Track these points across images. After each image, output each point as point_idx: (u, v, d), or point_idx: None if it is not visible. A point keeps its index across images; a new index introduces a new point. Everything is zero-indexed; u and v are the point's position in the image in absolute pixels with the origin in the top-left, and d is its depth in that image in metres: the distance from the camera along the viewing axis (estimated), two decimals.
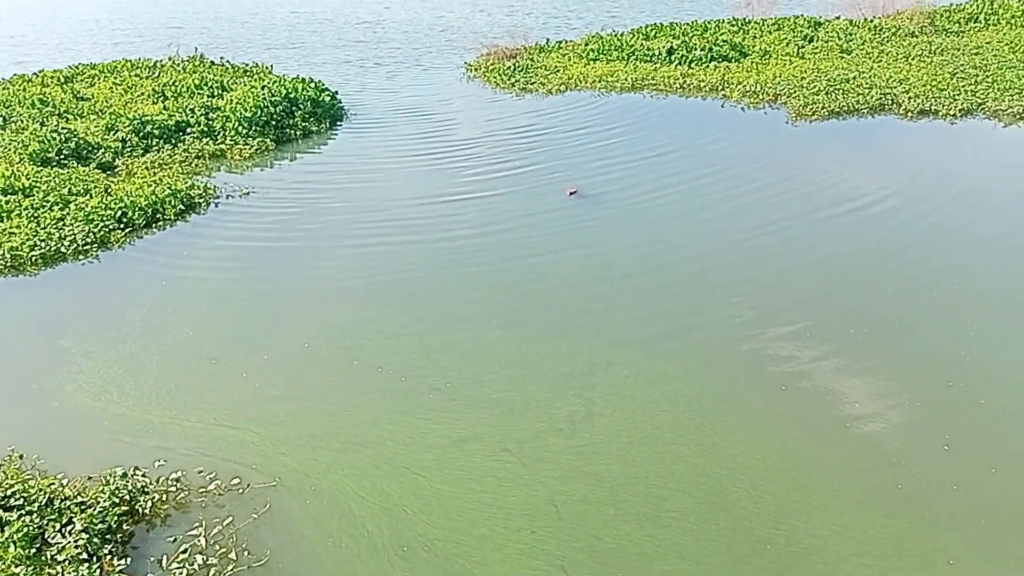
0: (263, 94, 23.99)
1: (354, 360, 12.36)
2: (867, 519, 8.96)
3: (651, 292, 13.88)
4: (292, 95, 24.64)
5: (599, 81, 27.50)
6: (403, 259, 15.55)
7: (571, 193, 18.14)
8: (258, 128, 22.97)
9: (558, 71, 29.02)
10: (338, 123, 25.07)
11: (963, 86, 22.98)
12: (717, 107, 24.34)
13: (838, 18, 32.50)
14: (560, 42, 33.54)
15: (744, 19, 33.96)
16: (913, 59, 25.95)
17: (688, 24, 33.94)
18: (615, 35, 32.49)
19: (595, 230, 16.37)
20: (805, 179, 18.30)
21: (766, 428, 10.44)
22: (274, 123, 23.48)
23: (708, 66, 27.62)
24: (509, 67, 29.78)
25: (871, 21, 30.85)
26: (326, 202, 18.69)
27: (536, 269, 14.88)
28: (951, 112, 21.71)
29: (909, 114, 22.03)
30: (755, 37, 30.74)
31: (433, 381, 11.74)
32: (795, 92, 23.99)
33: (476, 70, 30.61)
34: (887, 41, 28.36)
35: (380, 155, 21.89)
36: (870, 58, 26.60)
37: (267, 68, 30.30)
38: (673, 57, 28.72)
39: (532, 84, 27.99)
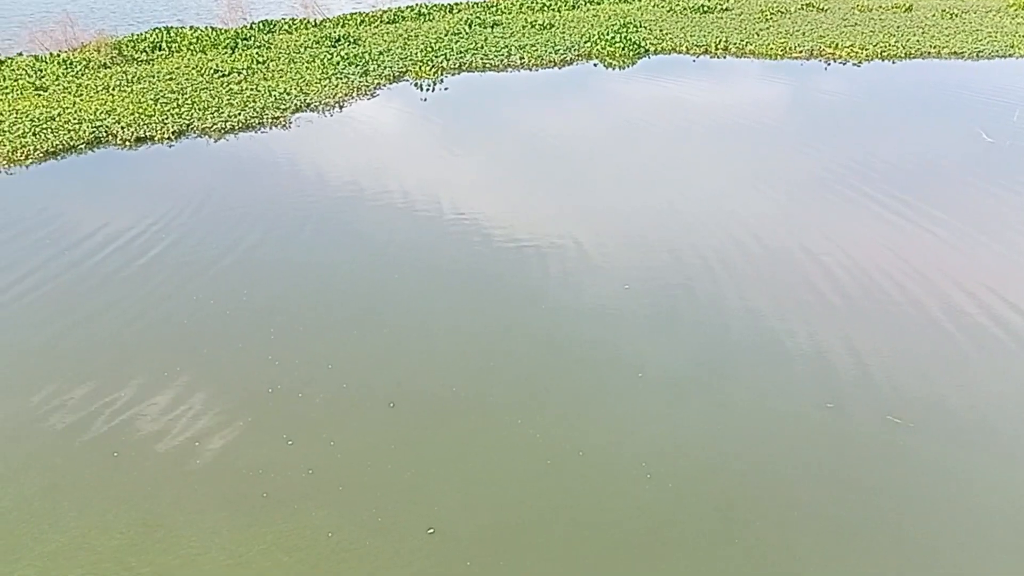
0: None
1: None
2: (248, 538, 9.27)
3: None
4: None
5: None
6: None
7: None
8: None
9: None
10: None
11: (168, 110, 24.30)
12: None
13: (20, 55, 30.26)
14: None
15: None
16: (114, 89, 26.13)
17: None
18: None
19: None
20: (44, 227, 16.92)
21: (112, 508, 9.68)
22: None
23: None
24: None
25: (58, 55, 29.69)
26: None
27: None
28: (166, 136, 22.82)
29: (127, 143, 22.27)
30: None
31: None
32: None
33: None
34: (82, 74, 27.78)
35: None
36: (70, 92, 25.70)
37: None
38: None
39: None
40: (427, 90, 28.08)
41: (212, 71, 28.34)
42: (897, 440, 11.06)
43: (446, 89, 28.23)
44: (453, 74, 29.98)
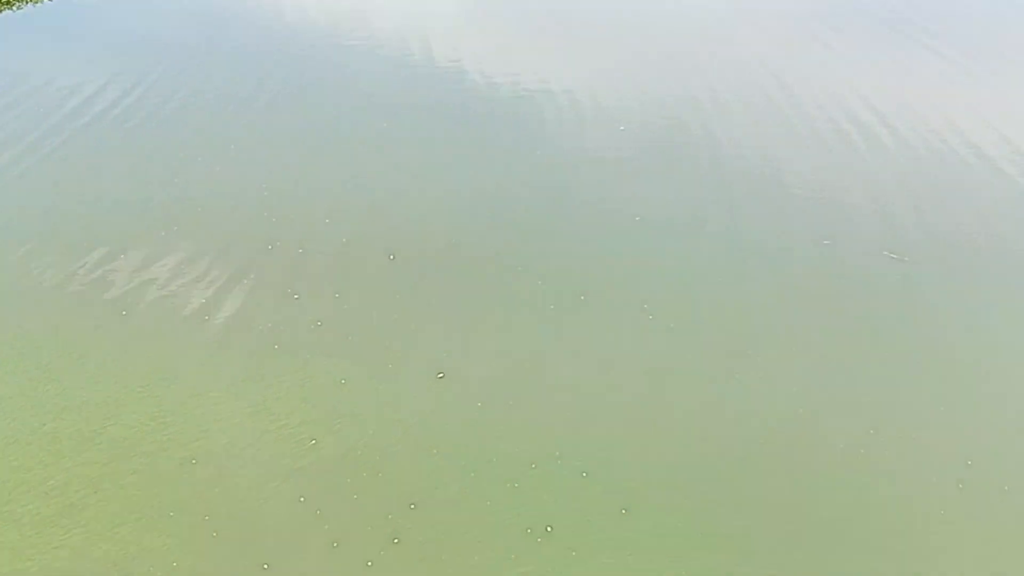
0: None
1: None
2: (264, 387, 9.55)
3: None
4: None
5: None
6: None
7: None
8: None
9: None
10: None
11: None
12: None
13: None
14: None
15: None
16: None
17: None
18: None
19: None
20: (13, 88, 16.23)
21: (128, 362, 9.89)
22: None
23: None
24: None
25: None
26: None
27: None
28: None
29: None
30: None
31: None
32: None
33: None
34: None
35: None
36: None
37: None
38: None
39: None
40: None
41: None
42: (891, 273, 11.33)
43: None
44: None
